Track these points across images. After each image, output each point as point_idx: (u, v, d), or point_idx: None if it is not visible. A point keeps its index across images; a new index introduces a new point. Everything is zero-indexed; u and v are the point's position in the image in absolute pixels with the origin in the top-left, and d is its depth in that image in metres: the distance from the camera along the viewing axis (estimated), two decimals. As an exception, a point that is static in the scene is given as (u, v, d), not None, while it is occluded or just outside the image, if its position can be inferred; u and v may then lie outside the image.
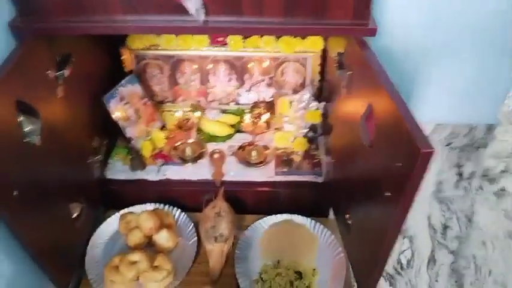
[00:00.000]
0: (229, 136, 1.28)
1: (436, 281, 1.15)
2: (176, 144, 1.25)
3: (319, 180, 1.16)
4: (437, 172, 1.32)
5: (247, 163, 1.21)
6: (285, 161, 1.21)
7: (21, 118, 0.80)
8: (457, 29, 1.14)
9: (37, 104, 0.83)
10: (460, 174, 1.37)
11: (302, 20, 0.85)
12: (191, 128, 1.22)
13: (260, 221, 1.13)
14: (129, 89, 1.21)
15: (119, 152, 1.21)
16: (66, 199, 0.96)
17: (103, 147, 1.17)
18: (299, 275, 1.00)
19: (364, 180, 0.88)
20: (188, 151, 1.22)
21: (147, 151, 1.21)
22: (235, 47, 1.20)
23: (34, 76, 0.85)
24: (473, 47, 1.14)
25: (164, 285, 0.96)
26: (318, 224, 1.12)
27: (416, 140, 0.63)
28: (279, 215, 1.14)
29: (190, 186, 1.16)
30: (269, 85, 1.30)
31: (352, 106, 0.94)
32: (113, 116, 1.16)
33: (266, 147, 1.25)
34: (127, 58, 1.23)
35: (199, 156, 1.23)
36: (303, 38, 1.18)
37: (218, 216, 1.05)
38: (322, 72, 1.26)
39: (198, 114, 1.24)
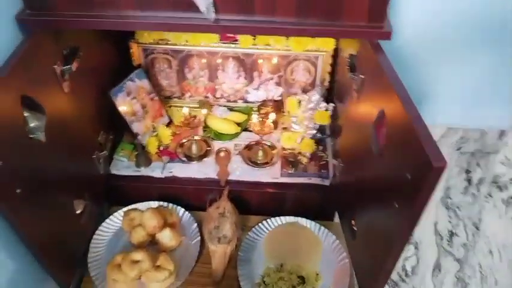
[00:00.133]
0: (236, 134, 1.27)
1: (441, 289, 1.14)
2: (182, 141, 1.23)
3: (326, 183, 1.15)
4: (445, 177, 1.30)
5: (253, 163, 1.19)
6: (291, 162, 1.19)
7: (26, 114, 0.79)
8: (469, 31, 1.11)
9: (43, 99, 0.82)
10: (469, 180, 1.35)
11: (315, 21, 0.83)
12: (198, 125, 1.21)
13: (264, 222, 1.12)
14: (136, 83, 1.20)
15: (125, 148, 1.20)
16: (70, 195, 0.96)
17: (108, 143, 1.16)
18: (302, 279, 0.99)
19: (372, 187, 0.86)
20: (194, 149, 1.21)
21: (153, 147, 1.20)
22: (245, 43, 1.18)
23: (40, 70, 0.83)
24: (486, 50, 1.11)
25: (166, 285, 0.95)
26: (322, 227, 1.10)
27: (428, 153, 0.61)
28: (283, 217, 1.13)
29: (195, 185, 1.15)
30: (278, 83, 1.28)
31: (362, 111, 0.92)
32: (120, 111, 1.15)
33: (273, 147, 1.23)
34: (135, 52, 1.22)
35: (205, 154, 1.21)
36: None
37: (222, 216, 1.03)
38: (333, 72, 1.23)
39: (205, 111, 1.22)
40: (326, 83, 1.25)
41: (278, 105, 1.30)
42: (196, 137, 1.23)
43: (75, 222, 0.98)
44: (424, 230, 1.22)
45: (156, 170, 1.17)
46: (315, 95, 1.21)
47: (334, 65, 1.22)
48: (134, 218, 1.06)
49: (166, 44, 1.20)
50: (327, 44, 1.18)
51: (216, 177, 1.15)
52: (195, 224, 1.10)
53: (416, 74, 1.30)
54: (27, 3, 0.82)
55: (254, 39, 1.17)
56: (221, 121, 1.27)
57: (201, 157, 1.20)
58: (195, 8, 0.79)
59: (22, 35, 0.83)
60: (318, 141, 1.24)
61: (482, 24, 1.06)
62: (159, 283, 0.94)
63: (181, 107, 1.29)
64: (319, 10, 0.81)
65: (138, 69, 1.21)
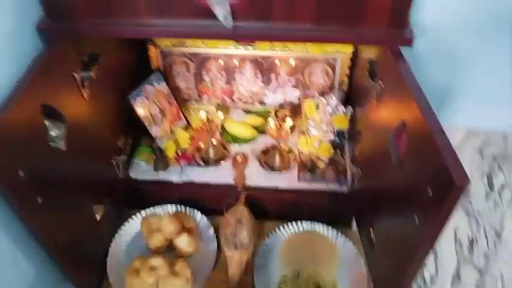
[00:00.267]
0: (253, 138, 1.26)
1: (460, 299, 1.12)
2: (199, 145, 1.24)
3: (344, 189, 1.13)
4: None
5: (270, 168, 1.19)
6: (308, 167, 1.18)
7: (46, 122, 0.80)
8: (491, 32, 1.07)
9: (63, 107, 0.83)
10: (491, 186, 1.32)
11: (334, 27, 0.81)
12: (215, 129, 1.21)
13: (281, 228, 1.12)
14: (155, 87, 1.20)
15: (143, 151, 1.21)
16: (90, 201, 0.97)
17: (127, 147, 1.17)
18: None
19: (391, 197, 0.85)
20: (211, 152, 1.21)
21: (171, 151, 1.20)
22: (263, 46, 1.17)
23: (60, 78, 0.84)
24: (509, 51, 1.07)
25: (183, 291, 0.96)
26: (340, 234, 1.09)
27: (451, 171, 0.59)
28: (299, 223, 1.13)
29: (212, 189, 1.15)
30: (295, 86, 1.27)
31: (382, 118, 0.90)
32: (139, 115, 1.16)
33: (290, 151, 1.22)
34: (153, 55, 1.22)
35: (222, 158, 1.21)
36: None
37: (239, 223, 1.03)
38: (351, 75, 1.21)
39: (221, 115, 1.22)
40: (344, 86, 1.23)
41: (295, 108, 1.28)
42: (213, 141, 1.23)
43: (94, 227, 0.99)
44: (443, 237, 1.20)
45: (173, 174, 1.17)
46: (333, 99, 1.20)
47: (352, 67, 1.20)
48: (152, 222, 1.06)
49: (184, 47, 1.20)
50: (346, 47, 1.16)
51: (233, 182, 1.15)
52: (212, 229, 1.10)
53: (437, 75, 1.28)
54: (47, 12, 0.83)
55: (271, 41, 1.16)
56: (238, 125, 1.26)
57: (218, 161, 1.20)
58: (213, 16, 0.78)
59: (42, 42, 0.84)
60: (336, 146, 1.22)
61: (508, 23, 1.02)
62: (176, 289, 0.95)
63: (199, 109, 1.29)
64: (339, 16, 0.79)
65: (156, 72, 1.22)
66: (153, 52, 1.22)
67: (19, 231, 0.80)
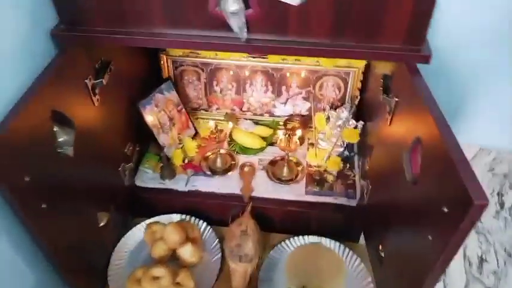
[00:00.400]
0: (261, 149, 1.25)
1: (469, 319, 1.09)
2: (207, 155, 1.23)
3: (352, 203, 1.12)
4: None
5: (278, 179, 1.17)
6: (317, 180, 1.17)
7: (55, 128, 0.79)
8: (503, 52, 1.06)
9: (72, 113, 0.82)
10: (502, 204, 1.30)
11: (350, 42, 0.80)
12: (223, 139, 1.20)
13: (287, 241, 1.10)
14: (165, 95, 1.20)
15: (150, 159, 1.20)
16: (94, 208, 0.96)
17: (135, 154, 1.16)
18: (325, 303, 0.97)
19: (403, 214, 0.83)
20: (218, 162, 1.20)
21: (178, 160, 1.19)
22: (275, 58, 1.17)
23: (72, 84, 0.84)
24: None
25: (186, 303, 0.94)
26: (347, 249, 1.08)
27: (469, 189, 0.58)
28: (306, 237, 1.11)
29: (218, 199, 1.14)
30: (306, 98, 1.26)
31: (395, 134, 0.89)
32: (148, 123, 1.15)
33: (298, 164, 1.21)
34: (165, 64, 1.22)
35: (230, 168, 1.20)
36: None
37: (244, 234, 1.02)
38: (363, 89, 1.21)
39: (230, 125, 1.21)
40: (356, 100, 1.22)
41: (305, 120, 1.27)
42: (221, 151, 1.22)
43: (97, 234, 0.98)
44: (452, 256, 1.18)
45: (180, 183, 1.16)
46: (344, 112, 1.19)
47: (364, 81, 1.19)
48: (156, 231, 1.05)
49: (196, 57, 1.20)
50: (358, 61, 1.15)
51: (240, 192, 1.14)
52: (217, 240, 1.08)
53: (451, 91, 1.27)
54: (62, 18, 0.83)
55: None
56: (247, 135, 1.25)
57: (225, 171, 1.19)
58: (228, 27, 0.78)
59: (55, 48, 0.84)
60: (345, 160, 1.21)
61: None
62: (179, 301, 0.93)
63: (208, 119, 1.28)
64: (355, 31, 0.78)
65: (167, 81, 1.21)
66: (165, 61, 1.22)
67: (20, 236, 0.79)
